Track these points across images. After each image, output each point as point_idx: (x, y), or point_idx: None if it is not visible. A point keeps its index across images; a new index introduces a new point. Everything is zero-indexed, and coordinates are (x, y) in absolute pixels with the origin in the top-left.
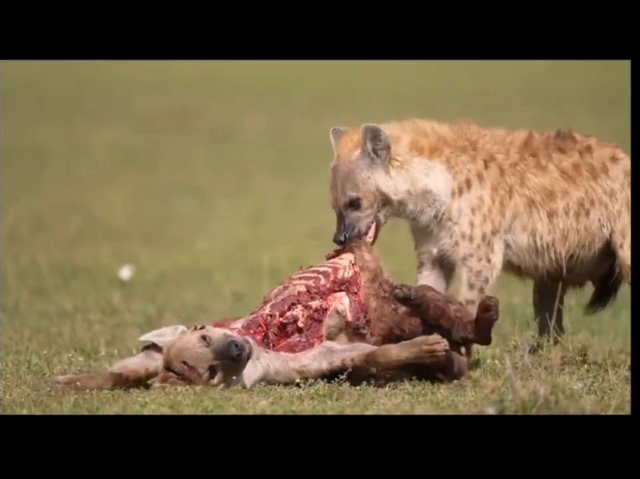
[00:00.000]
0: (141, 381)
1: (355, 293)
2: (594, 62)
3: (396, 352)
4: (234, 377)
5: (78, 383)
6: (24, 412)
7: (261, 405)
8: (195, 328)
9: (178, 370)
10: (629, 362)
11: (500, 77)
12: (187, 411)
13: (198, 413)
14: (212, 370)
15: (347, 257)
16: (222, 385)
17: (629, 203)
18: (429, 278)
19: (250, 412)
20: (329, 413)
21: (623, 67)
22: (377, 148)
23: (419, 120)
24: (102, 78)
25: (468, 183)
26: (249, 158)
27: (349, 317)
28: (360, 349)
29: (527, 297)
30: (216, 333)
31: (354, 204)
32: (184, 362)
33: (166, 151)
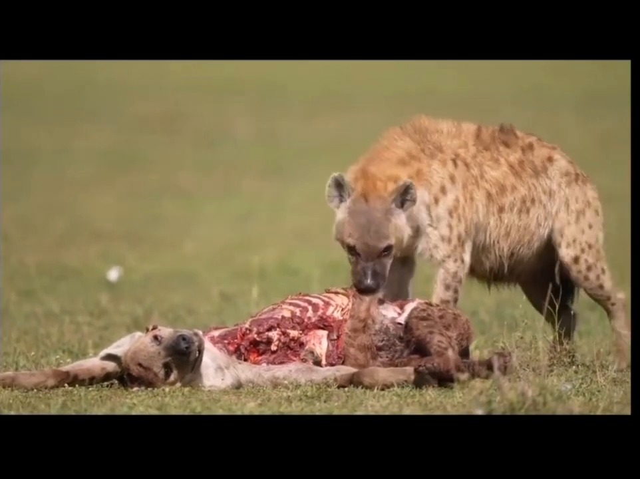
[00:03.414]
0: (95, 381)
1: (334, 340)
2: (585, 63)
3: (384, 376)
4: (190, 373)
5: (16, 380)
6: (12, 413)
7: (249, 407)
8: (148, 330)
9: (136, 374)
10: (616, 363)
11: (492, 78)
12: (174, 413)
13: (186, 414)
14: (167, 368)
15: (344, 299)
16: (179, 384)
17: (567, 202)
18: (393, 274)
19: (238, 414)
20: (317, 414)
21: (613, 68)
22: (405, 200)
23: (385, 142)
24: (91, 80)
25: (443, 189)
26: (237, 160)
27: (324, 362)
28: (345, 370)
29: (515, 299)
30: (166, 331)
31: (387, 252)
32: (140, 364)
33: (154, 153)
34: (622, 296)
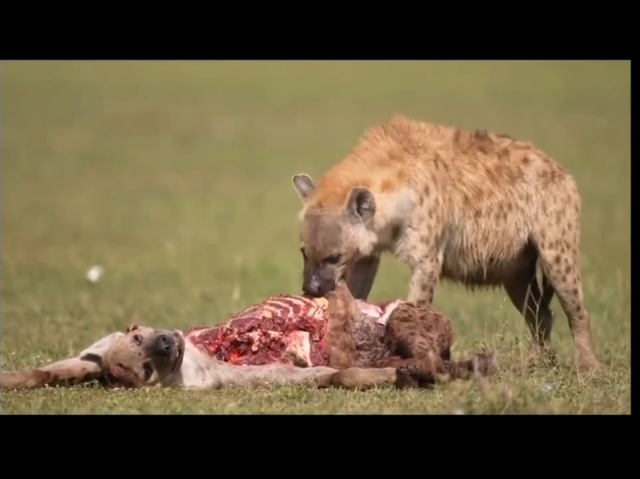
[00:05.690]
0: (76, 381)
1: (317, 341)
2: (562, 62)
3: (364, 376)
4: (170, 374)
5: None
6: None
7: (230, 407)
8: (128, 330)
9: (116, 374)
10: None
11: (469, 79)
12: (155, 413)
13: (167, 414)
14: (147, 368)
15: (324, 300)
16: (159, 384)
17: (545, 205)
18: (359, 273)
19: (218, 414)
20: (298, 415)
21: (593, 69)
22: (362, 209)
23: (366, 142)
24: (70, 80)
25: (427, 190)
26: (216, 160)
27: (309, 364)
28: (325, 370)
29: (496, 300)
30: (147, 331)
31: (333, 259)
32: (120, 365)
33: (133, 153)
34: (588, 315)
